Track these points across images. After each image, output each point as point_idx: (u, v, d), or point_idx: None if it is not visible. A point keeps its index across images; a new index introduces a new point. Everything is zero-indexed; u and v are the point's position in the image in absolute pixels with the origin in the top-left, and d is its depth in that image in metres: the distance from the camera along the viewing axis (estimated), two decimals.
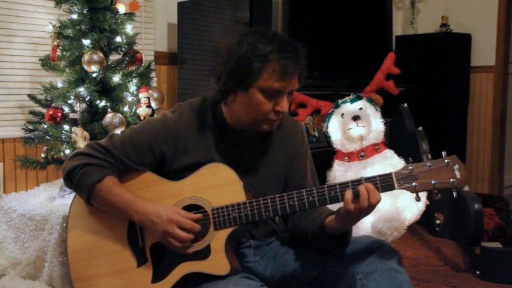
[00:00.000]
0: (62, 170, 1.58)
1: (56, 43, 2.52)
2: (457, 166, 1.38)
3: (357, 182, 1.41)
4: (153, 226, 1.47)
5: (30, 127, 2.60)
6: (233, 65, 1.47)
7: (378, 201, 1.39)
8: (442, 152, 1.41)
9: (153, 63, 2.88)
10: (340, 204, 1.42)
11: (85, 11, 2.53)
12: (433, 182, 1.38)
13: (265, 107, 1.48)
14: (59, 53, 2.54)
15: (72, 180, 1.55)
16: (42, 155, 2.63)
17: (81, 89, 2.53)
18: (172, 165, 1.57)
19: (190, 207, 1.52)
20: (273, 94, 1.47)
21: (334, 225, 1.46)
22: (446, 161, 1.39)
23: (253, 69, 1.44)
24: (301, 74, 1.51)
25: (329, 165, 2.61)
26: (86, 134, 2.44)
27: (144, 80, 2.73)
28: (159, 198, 1.54)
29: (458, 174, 1.38)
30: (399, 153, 2.54)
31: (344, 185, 1.43)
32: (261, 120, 1.51)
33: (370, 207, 1.39)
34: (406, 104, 3.31)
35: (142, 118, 2.59)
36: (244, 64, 1.45)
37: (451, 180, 1.38)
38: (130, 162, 1.56)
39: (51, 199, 2.54)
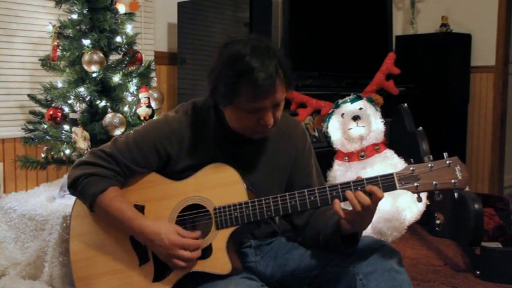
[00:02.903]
0: (67, 178, 1.59)
1: (56, 43, 2.52)
2: (458, 167, 1.38)
3: (358, 183, 1.42)
4: (154, 248, 1.48)
5: (30, 127, 2.60)
6: (212, 83, 1.47)
7: (380, 199, 1.39)
8: (444, 153, 1.41)
9: (153, 63, 2.88)
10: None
11: (85, 11, 2.53)
12: (434, 182, 1.38)
13: (249, 121, 1.48)
14: (59, 53, 2.54)
15: (76, 189, 1.56)
16: (42, 155, 2.63)
17: (81, 89, 2.53)
18: (175, 165, 1.57)
19: (192, 207, 1.52)
20: (253, 111, 1.45)
21: (347, 227, 1.46)
22: (447, 162, 1.39)
23: (227, 91, 1.42)
24: (288, 84, 1.47)
25: (329, 165, 2.61)
26: (86, 134, 2.44)
27: (144, 80, 2.73)
28: (161, 198, 1.54)
29: (459, 175, 1.38)
30: (399, 153, 2.54)
31: (345, 185, 1.43)
32: (249, 132, 1.52)
33: (373, 206, 1.40)
34: (406, 104, 3.32)
35: (142, 118, 2.59)
36: (219, 85, 1.44)
37: (453, 181, 1.38)
38: (137, 167, 1.56)
39: (51, 199, 2.54)
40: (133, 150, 1.55)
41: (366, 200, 1.38)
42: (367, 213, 1.40)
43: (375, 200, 1.39)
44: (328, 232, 1.51)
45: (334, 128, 2.58)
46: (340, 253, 1.52)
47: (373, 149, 2.52)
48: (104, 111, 2.55)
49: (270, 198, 1.47)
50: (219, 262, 1.47)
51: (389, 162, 2.48)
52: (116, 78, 2.61)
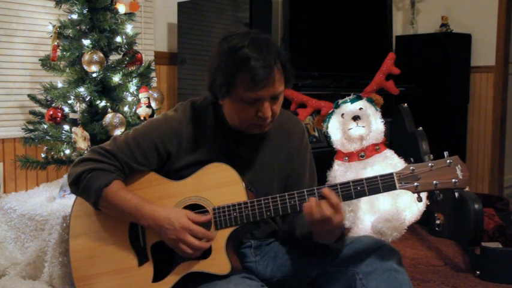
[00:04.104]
0: (68, 176, 1.58)
1: (56, 43, 2.52)
2: (459, 166, 1.38)
3: (358, 183, 1.41)
4: (163, 232, 1.47)
5: (30, 127, 2.60)
6: (210, 75, 1.49)
7: (335, 204, 1.38)
8: (444, 152, 1.40)
9: (153, 63, 2.88)
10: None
11: (85, 11, 2.53)
12: (434, 182, 1.38)
13: (247, 113, 1.48)
14: (59, 53, 2.54)
15: (78, 185, 1.54)
16: (42, 155, 2.63)
17: (81, 89, 2.53)
18: (175, 163, 1.57)
19: (191, 207, 1.52)
20: (251, 102, 1.46)
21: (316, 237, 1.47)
22: (448, 161, 1.38)
23: (226, 81, 1.44)
24: (287, 77, 1.48)
25: (329, 165, 2.61)
26: (86, 134, 2.44)
27: (144, 80, 2.73)
28: (160, 198, 1.54)
29: (460, 175, 1.37)
30: (399, 153, 2.54)
31: (345, 185, 1.42)
32: (247, 125, 1.52)
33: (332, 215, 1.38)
34: (406, 104, 3.32)
35: (142, 118, 2.59)
36: (217, 76, 1.46)
37: (453, 180, 1.37)
38: (136, 164, 1.56)
39: (51, 199, 2.54)
40: (133, 148, 1.55)
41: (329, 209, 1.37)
42: (326, 223, 1.38)
43: (331, 205, 1.37)
44: (303, 232, 1.53)
45: (334, 128, 2.58)
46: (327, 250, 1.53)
47: (373, 149, 2.52)
48: (104, 111, 2.55)
49: (269, 199, 1.47)
50: (219, 262, 1.47)
51: (390, 162, 2.48)
52: (116, 78, 2.61)
